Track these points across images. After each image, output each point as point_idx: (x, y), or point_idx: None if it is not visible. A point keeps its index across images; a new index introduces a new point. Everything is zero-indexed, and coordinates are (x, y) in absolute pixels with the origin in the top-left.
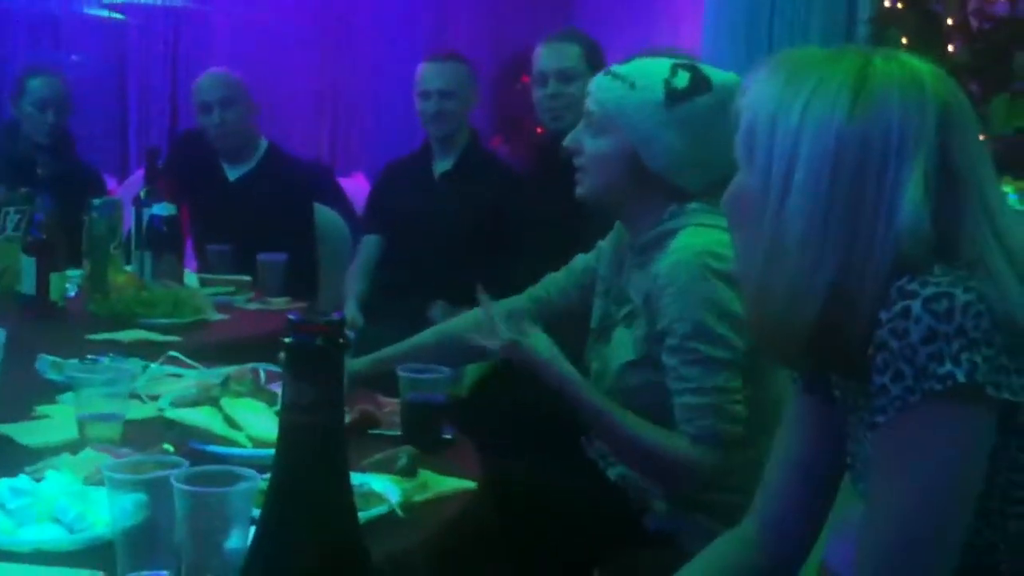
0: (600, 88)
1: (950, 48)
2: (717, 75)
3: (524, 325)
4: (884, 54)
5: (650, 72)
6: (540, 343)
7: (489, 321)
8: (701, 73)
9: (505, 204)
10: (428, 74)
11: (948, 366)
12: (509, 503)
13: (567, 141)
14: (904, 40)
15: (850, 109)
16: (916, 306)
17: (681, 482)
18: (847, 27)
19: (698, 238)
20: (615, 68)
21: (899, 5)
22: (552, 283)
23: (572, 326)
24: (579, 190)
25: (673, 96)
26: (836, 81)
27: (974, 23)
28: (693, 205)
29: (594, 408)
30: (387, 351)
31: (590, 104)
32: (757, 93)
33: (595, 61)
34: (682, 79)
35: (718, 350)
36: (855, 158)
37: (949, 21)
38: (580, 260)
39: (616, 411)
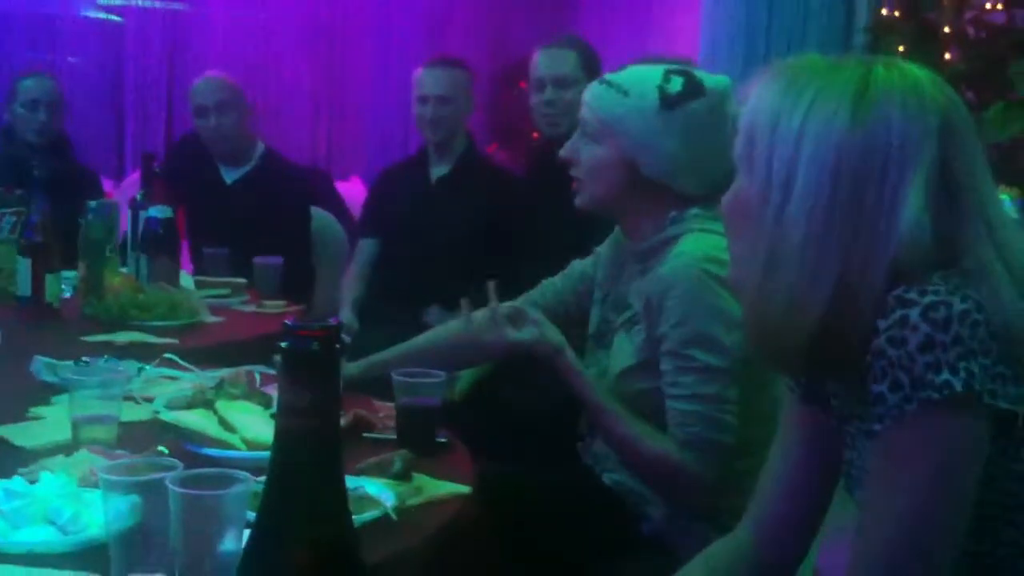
0: (594, 97)
1: (947, 56)
2: (710, 79)
3: (533, 315)
4: (885, 62)
5: (643, 79)
6: (553, 332)
7: (494, 317)
8: (694, 77)
9: (502, 209)
10: (426, 79)
11: (945, 375)
12: (503, 507)
13: (563, 152)
14: (901, 49)
15: (851, 117)
16: (914, 314)
17: (666, 486)
18: (844, 36)
19: (699, 244)
20: (608, 76)
21: (896, 14)
22: (549, 288)
23: (569, 332)
24: (578, 200)
25: (667, 101)
26: (837, 89)
27: (971, 32)
28: (694, 211)
29: (596, 403)
30: (382, 355)
31: (585, 113)
32: (757, 100)
33: (592, 68)
34: (676, 84)
35: (715, 358)
36: (855, 166)
37: (946, 30)
38: (577, 266)
39: (617, 409)
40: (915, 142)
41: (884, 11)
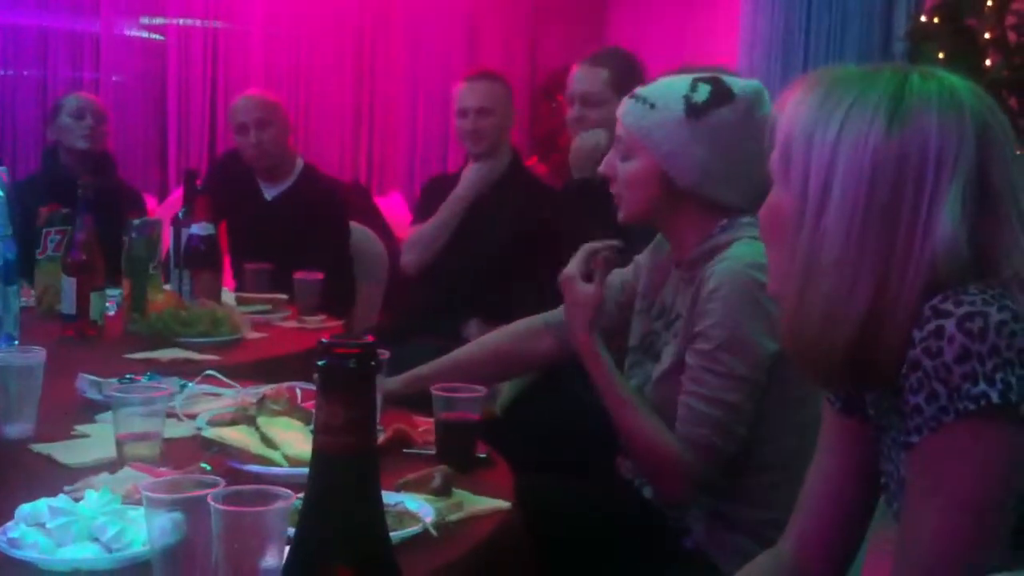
0: (625, 112)
1: (987, 63)
2: (739, 84)
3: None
4: (922, 71)
5: (670, 90)
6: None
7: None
8: (723, 84)
9: (542, 222)
10: (465, 93)
11: (982, 386)
12: (543, 522)
13: (602, 168)
14: (940, 55)
15: (887, 127)
16: (950, 325)
17: (666, 481)
18: (883, 43)
19: (749, 250)
20: (639, 90)
21: (935, 20)
22: None
23: (608, 343)
24: (620, 215)
25: (693, 110)
26: (873, 99)
27: (1012, 38)
28: (745, 219)
29: (613, 389)
30: (422, 369)
31: (618, 129)
32: (793, 112)
33: (624, 85)
34: (702, 92)
35: (743, 366)
36: (891, 176)
37: (987, 35)
38: (617, 276)
39: (633, 397)
40: (951, 151)
41: (923, 17)
